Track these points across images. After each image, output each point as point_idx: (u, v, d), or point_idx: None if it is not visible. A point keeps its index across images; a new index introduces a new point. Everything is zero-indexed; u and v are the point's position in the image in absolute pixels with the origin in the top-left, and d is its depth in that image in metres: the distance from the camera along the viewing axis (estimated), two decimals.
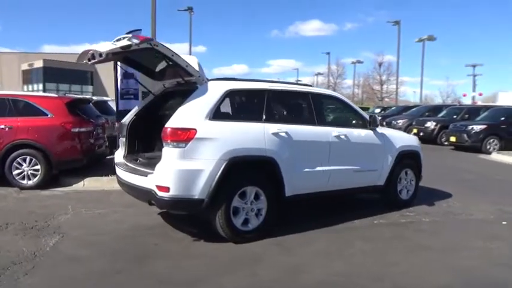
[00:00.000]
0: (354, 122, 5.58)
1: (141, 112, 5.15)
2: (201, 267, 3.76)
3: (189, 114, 4.10)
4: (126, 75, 8.07)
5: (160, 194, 4.00)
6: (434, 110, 19.59)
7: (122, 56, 4.61)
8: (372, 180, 5.67)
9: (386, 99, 43.14)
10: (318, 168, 4.94)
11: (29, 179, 6.96)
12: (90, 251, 4.10)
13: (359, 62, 46.13)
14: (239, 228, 4.32)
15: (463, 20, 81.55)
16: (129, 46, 3.79)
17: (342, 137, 5.18)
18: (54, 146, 7.02)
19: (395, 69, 38.54)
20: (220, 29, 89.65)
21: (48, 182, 7.05)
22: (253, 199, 4.42)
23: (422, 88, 35.02)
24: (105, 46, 3.89)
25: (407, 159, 6.10)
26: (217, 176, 4.05)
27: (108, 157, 8.68)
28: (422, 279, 3.61)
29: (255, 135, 4.39)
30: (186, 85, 4.78)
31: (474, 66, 46.49)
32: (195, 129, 4.01)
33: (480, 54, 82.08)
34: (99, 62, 4.45)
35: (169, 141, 4.00)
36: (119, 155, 5.15)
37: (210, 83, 4.37)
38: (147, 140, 5.27)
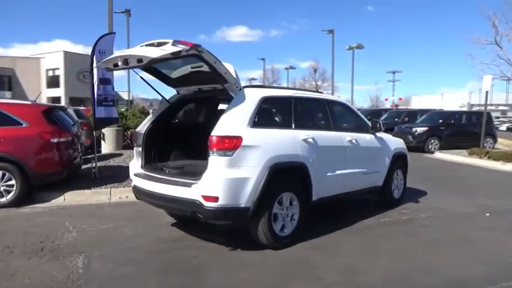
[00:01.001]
0: (359, 127, 5.89)
1: (157, 120, 4.93)
2: (260, 275, 3.73)
3: (233, 122, 4.05)
4: (103, 81, 7.64)
5: (208, 204, 3.89)
6: (374, 114, 21.08)
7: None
8: (375, 181, 6.03)
9: None
10: (337, 172, 5.15)
11: (2, 196, 6.24)
12: (133, 269, 3.85)
13: (292, 67, 47.99)
14: (278, 234, 4.36)
15: (386, 31, 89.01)
16: (179, 52, 3.64)
17: (353, 141, 5.46)
18: (31, 158, 6.38)
19: (329, 74, 40.68)
20: (150, 32, 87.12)
21: (23, 198, 6.38)
22: (289, 205, 4.48)
23: (353, 93, 37.35)
24: (152, 52, 3.69)
25: (398, 161, 6.57)
26: (261, 184, 4.05)
27: (82, 168, 8.10)
28: (461, 270, 3.95)
29: (289, 141, 4.47)
30: (212, 92, 4.71)
31: (394, 72, 50.89)
32: (241, 137, 3.98)
33: (399, 61, 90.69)
34: (125, 68, 4.21)
35: (216, 149, 3.91)
36: (136, 165, 4.88)
37: (246, 90, 4.35)
38: (165, 148, 5.06)
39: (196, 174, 4.14)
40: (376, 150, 6.01)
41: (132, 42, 28.70)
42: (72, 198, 6.75)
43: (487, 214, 6.16)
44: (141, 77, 4.84)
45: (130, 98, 45.61)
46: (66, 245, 4.50)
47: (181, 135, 5.24)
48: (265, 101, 4.43)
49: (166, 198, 4.25)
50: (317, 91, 6.02)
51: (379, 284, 3.58)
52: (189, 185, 4.02)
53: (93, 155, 8.22)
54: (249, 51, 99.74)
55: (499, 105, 64.76)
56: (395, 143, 6.60)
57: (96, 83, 7.51)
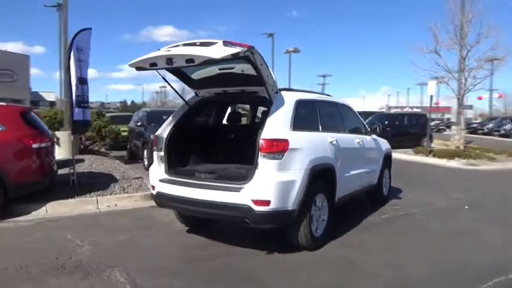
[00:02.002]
0: (361, 128, 6.18)
1: (177, 124, 4.72)
2: (318, 275, 3.79)
3: (279, 125, 4.05)
4: (81, 81, 7.07)
5: (259, 208, 3.83)
6: None
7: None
8: (372, 180, 6.37)
9: None
10: (351, 173, 5.36)
11: None
12: (183, 280, 3.67)
13: None
14: (315, 235, 4.43)
15: (316, 36, 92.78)
16: (238, 54, 3.55)
17: (360, 142, 5.73)
18: (10, 166, 5.71)
19: None
20: (72, 30, 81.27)
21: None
22: (321, 206, 4.57)
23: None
24: (211, 52, 3.53)
25: (386, 160, 7.00)
26: (305, 186, 4.10)
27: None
28: (486, 258, 4.33)
29: (321, 144, 4.58)
30: (240, 94, 4.64)
31: (324, 76, 53.46)
32: (287, 140, 3.99)
33: (330, 65, 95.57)
34: (162, 69, 4.00)
35: (266, 153, 3.87)
36: (158, 171, 4.62)
37: (283, 94, 4.36)
38: (185, 152, 4.86)
39: (239, 178, 4.05)
40: (374, 151, 6.36)
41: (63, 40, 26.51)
42: (55, 209, 6.14)
43: (466, 207, 6.82)
44: (163, 78, 4.61)
45: (53, 99, 42.28)
46: (88, 260, 4.12)
47: (203, 138, 5.08)
48: (299, 104, 4.47)
49: (206, 204, 4.08)
50: (328, 94, 6.16)
51: (428, 276, 3.82)
52: (237, 190, 3.92)
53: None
54: None
55: (413, 107, 71.13)
56: (384, 143, 7.03)
57: (75, 82, 6.92)
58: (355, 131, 5.95)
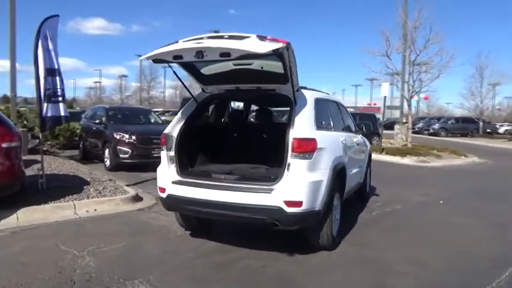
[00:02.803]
0: (353, 128, 6.29)
1: (187, 121, 4.42)
2: (352, 276, 3.77)
3: (306, 125, 3.96)
4: (50, 72, 6.40)
5: (291, 209, 3.72)
6: None
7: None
8: (361, 178, 6.53)
9: None
10: (353, 171, 5.44)
11: None
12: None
13: (170, 66, 46.64)
14: (333, 235, 4.41)
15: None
16: (278, 50, 3.38)
17: (356, 141, 5.84)
18: None
19: None
20: None
21: None
22: (336, 205, 4.56)
23: None
24: (253, 47, 3.31)
25: (369, 158, 7.23)
26: (329, 186, 4.06)
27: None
28: (489, 249, 4.63)
29: (337, 143, 4.58)
30: (254, 91, 4.47)
31: None
32: (315, 140, 3.91)
33: None
34: (189, 62, 3.71)
35: (297, 153, 3.76)
36: (168, 172, 4.30)
37: (303, 92, 4.27)
38: (194, 151, 4.57)
39: (266, 179, 3.90)
40: (364, 149, 6.53)
41: None
42: (27, 216, 5.45)
43: (441, 202, 7.27)
44: (174, 73, 4.29)
45: None
46: (97, 272, 3.70)
47: (213, 136, 4.81)
48: (317, 103, 4.42)
49: (229, 206, 3.86)
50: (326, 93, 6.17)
51: (450, 270, 3.98)
52: (266, 191, 3.76)
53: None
54: (108, 45, 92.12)
55: (348, 107, 74.70)
56: (367, 142, 7.24)
57: (43, 74, 6.23)
58: (350, 129, 6.05)
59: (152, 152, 9.66)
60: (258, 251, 4.30)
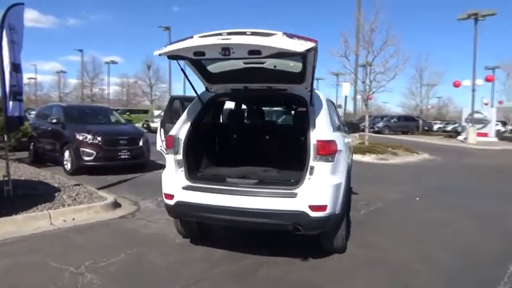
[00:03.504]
0: (344, 127, 6.31)
1: (194, 122, 4.14)
2: (377, 276, 3.76)
3: (326, 126, 3.86)
4: (15, 67, 5.76)
5: (315, 214, 3.61)
6: None
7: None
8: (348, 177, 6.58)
9: (157, 102, 43.88)
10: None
11: None
12: None
13: (114, 62, 44.68)
14: (346, 237, 4.37)
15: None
16: (311, 49, 3.23)
17: (349, 141, 5.87)
18: None
19: (163, 73, 39.77)
20: None
21: None
22: None
23: (185, 92, 37.51)
24: (288, 45, 3.12)
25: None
26: (346, 188, 4.02)
27: None
28: (487, 244, 4.82)
29: (345, 144, 4.53)
30: (263, 91, 4.30)
31: None
32: (335, 141, 3.83)
33: None
34: (209, 59, 3.44)
35: (321, 155, 3.66)
36: (176, 177, 3.99)
37: (317, 92, 4.17)
38: (200, 154, 4.29)
39: (287, 183, 3.76)
40: (350, 148, 6.59)
41: None
42: None
43: (417, 198, 7.57)
44: (182, 70, 3.98)
45: None
46: None
47: (220, 138, 4.54)
48: (328, 103, 4.35)
49: (249, 212, 3.67)
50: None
51: (463, 267, 4.10)
52: (290, 196, 3.61)
53: None
54: (41, 39, 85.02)
55: None
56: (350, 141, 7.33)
57: (8, 69, 5.56)
58: (344, 129, 6.06)
59: (119, 153, 9.12)
60: (269, 257, 4.15)
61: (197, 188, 3.89)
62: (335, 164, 3.77)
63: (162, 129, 5.93)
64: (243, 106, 5.48)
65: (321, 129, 3.77)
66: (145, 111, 30.59)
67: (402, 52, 15.95)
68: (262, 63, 3.98)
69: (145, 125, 25.25)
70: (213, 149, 4.52)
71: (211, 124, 4.75)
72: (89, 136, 8.93)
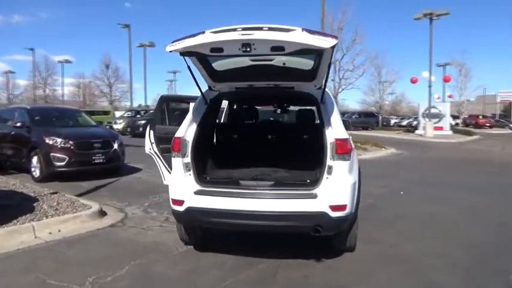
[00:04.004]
0: None
1: (201, 123, 3.93)
2: (395, 274, 3.73)
3: (341, 124, 3.79)
4: None
5: (336, 214, 3.53)
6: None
7: None
8: None
9: (116, 103, 42.09)
10: None
11: None
12: None
13: (67, 61, 42.53)
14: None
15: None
16: (334, 45, 3.13)
17: None
18: None
19: (123, 72, 38.33)
20: None
21: None
22: None
23: (146, 92, 36.51)
24: (314, 40, 2.97)
25: None
26: (359, 186, 3.97)
27: None
28: (485, 236, 4.99)
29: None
30: (268, 89, 4.17)
31: (174, 72, 52.57)
32: (350, 139, 3.78)
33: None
34: (228, 56, 3.26)
35: (341, 154, 3.58)
36: (185, 182, 3.76)
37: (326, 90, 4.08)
38: (212, 156, 4.08)
39: (304, 183, 3.67)
40: None
41: None
42: None
43: (401, 192, 7.75)
44: (189, 68, 3.75)
45: None
46: None
47: (225, 139, 4.33)
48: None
49: (271, 216, 3.52)
50: None
51: (473, 259, 4.19)
52: (311, 196, 3.51)
53: None
54: None
55: None
56: None
57: None
58: None
59: (93, 157, 8.62)
60: (281, 260, 4.03)
61: (209, 192, 3.69)
62: (351, 163, 3.72)
63: (151, 131, 5.64)
64: (244, 105, 5.29)
65: (338, 128, 3.70)
66: (106, 113, 29.30)
67: (368, 50, 16.35)
68: (271, 60, 3.84)
69: (107, 127, 24.24)
70: (220, 151, 4.32)
71: (217, 124, 4.55)
72: (59, 140, 8.34)
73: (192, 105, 5.56)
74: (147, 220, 5.62)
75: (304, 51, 3.14)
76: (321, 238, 4.14)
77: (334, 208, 3.52)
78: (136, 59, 33.89)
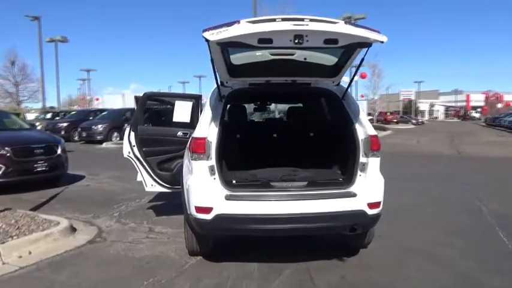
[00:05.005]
0: None
1: (222, 122, 3.59)
2: (419, 269, 3.79)
3: (368, 121, 3.73)
4: None
5: (372, 211, 3.50)
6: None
7: None
8: None
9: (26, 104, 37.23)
10: None
11: None
12: None
13: None
14: None
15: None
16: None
17: None
18: None
19: (31, 70, 34.33)
20: None
21: None
22: None
23: (59, 90, 33.31)
24: (369, 34, 2.84)
25: None
26: None
27: None
28: (472, 222, 5.37)
29: None
30: (288, 86, 3.99)
31: (88, 71, 48.80)
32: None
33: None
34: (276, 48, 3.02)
35: (375, 150, 3.56)
36: (213, 187, 3.39)
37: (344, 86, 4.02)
38: (233, 157, 3.76)
39: (338, 182, 3.58)
40: None
41: None
42: None
43: None
44: (212, 60, 3.38)
45: None
46: None
47: (244, 137, 4.00)
48: None
49: (311, 218, 3.35)
50: None
51: (471, 249, 4.46)
52: (350, 195, 3.41)
53: None
54: None
55: None
56: None
57: None
58: None
59: (35, 165, 7.54)
60: (307, 263, 3.85)
61: (241, 196, 3.38)
62: (380, 160, 3.71)
63: (133, 132, 5.10)
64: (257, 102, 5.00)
65: (368, 124, 3.65)
66: (17, 114, 25.98)
67: None
68: (292, 54, 3.66)
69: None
70: (238, 151, 4.00)
71: (233, 123, 4.20)
72: None
73: (179, 103, 5.15)
74: (129, 232, 5.04)
75: (359, 44, 3.03)
76: (336, 236, 4.12)
77: (371, 206, 3.48)
78: (44, 55, 30.60)
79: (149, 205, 6.41)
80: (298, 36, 2.91)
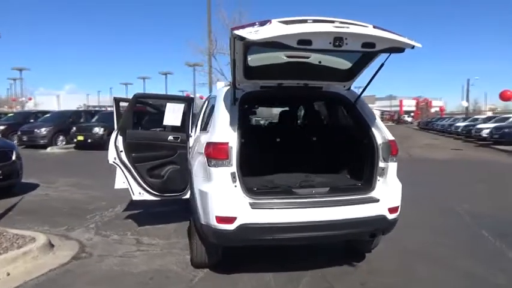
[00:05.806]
0: None
1: (240, 126, 3.39)
2: (435, 271, 3.86)
3: (384, 125, 3.74)
4: None
5: (392, 216, 3.50)
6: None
7: None
8: None
9: None
10: None
11: None
12: None
13: None
14: None
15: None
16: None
17: None
18: None
19: None
20: None
21: None
22: None
23: None
24: (404, 39, 2.80)
25: None
26: None
27: None
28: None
29: None
30: (300, 90, 3.89)
31: (21, 70, 45.12)
32: None
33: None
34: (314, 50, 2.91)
35: (394, 155, 3.57)
36: (235, 195, 3.18)
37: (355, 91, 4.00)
38: (252, 162, 3.57)
39: (355, 188, 3.54)
40: None
41: None
42: None
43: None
44: (234, 61, 3.18)
45: None
46: None
47: (261, 143, 3.80)
48: None
49: (336, 225, 3.27)
50: None
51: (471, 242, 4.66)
52: (372, 200, 3.38)
53: None
54: None
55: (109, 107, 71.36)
56: None
57: None
58: None
59: None
60: (319, 270, 3.78)
61: (266, 204, 3.21)
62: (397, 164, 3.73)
63: (120, 137, 4.71)
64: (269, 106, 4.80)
65: (385, 129, 3.65)
66: None
67: None
68: (307, 57, 3.58)
69: None
70: (254, 155, 3.80)
71: (248, 126, 3.99)
72: None
73: (170, 105, 4.85)
74: (115, 245, 4.64)
75: (391, 49, 3.00)
76: (341, 242, 4.09)
77: (391, 210, 3.48)
78: None
79: (125, 214, 5.98)
80: (338, 38, 2.81)
